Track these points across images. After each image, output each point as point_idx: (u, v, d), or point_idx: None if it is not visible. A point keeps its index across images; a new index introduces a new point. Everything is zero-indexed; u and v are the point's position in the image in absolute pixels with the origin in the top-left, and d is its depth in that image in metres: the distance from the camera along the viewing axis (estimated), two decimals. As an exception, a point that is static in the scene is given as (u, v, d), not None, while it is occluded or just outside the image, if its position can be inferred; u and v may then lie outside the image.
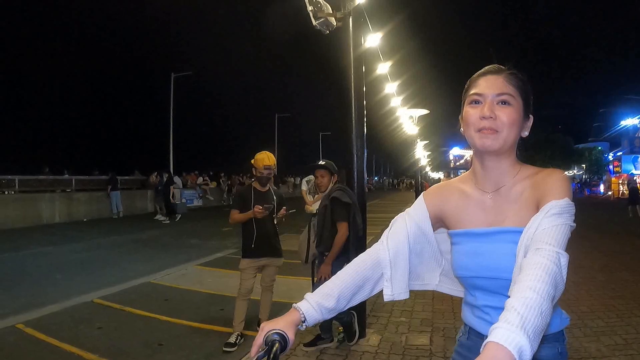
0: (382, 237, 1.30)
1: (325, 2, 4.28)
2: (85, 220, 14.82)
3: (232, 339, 3.90)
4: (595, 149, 49.04)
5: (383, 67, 8.88)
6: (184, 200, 19.89)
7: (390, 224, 1.32)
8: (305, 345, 3.76)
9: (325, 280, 3.56)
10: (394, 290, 1.25)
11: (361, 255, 1.28)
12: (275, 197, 4.14)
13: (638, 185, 19.01)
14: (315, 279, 3.93)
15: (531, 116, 1.20)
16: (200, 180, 23.86)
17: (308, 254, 4.01)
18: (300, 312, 1.12)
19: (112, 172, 17.09)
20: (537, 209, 1.06)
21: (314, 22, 4.21)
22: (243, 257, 4.07)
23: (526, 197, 1.14)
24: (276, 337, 1.05)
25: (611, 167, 40.76)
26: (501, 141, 1.12)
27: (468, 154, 34.78)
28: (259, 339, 1.05)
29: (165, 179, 16.20)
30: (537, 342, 0.74)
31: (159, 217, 15.41)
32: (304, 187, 6.38)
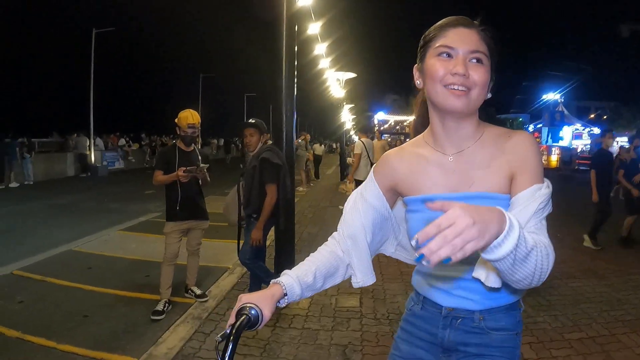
0: (338, 226, 1.25)
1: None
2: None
3: (159, 307, 3.78)
4: (516, 120, 52.19)
5: (314, 27, 8.70)
6: (105, 163, 18.91)
7: (344, 209, 1.25)
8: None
9: (258, 245, 3.53)
10: (359, 278, 1.22)
11: (330, 239, 1.26)
12: (200, 157, 3.97)
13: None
14: (241, 242, 3.86)
15: (494, 78, 1.10)
16: (122, 141, 22.88)
17: (239, 215, 3.90)
18: (283, 285, 1.08)
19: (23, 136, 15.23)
20: (510, 179, 1.05)
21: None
22: (167, 220, 3.90)
23: (498, 164, 1.08)
24: (250, 311, 1.00)
25: (531, 138, 43.58)
26: (470, 102, 1.03)
27: (392, 119, 35.72)
28: (235, 309, 1.02)
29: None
30: (518, 261, 0.82)
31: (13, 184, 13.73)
32: None
